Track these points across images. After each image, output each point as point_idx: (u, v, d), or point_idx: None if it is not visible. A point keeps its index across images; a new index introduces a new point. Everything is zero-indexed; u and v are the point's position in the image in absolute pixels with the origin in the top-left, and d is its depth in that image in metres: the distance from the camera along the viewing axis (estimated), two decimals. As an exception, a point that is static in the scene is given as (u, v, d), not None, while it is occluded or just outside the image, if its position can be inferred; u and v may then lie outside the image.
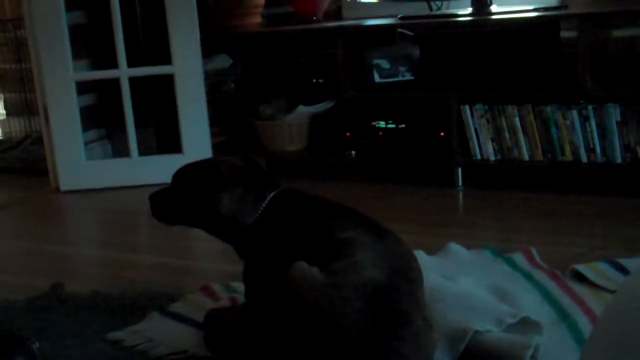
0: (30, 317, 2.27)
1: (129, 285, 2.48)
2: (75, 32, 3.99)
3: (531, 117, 3.30)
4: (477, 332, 1.86)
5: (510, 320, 1.93)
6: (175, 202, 2.08)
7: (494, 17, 3.49)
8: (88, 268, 2.88)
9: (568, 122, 3.23)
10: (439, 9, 3.78)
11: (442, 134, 3.53)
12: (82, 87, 4.05)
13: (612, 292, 2.11)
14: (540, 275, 2.29)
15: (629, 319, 1.19)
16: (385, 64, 3.68)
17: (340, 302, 1.62)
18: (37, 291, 2.44)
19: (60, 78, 3.86)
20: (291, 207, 2.00)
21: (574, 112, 3.21)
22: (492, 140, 3.39)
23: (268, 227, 1.97)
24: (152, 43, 4.05)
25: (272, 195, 2.02)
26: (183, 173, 2.10)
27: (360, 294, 1.64)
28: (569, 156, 3.27)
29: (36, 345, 1.72)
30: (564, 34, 3.42)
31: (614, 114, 3.14)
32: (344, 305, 1.62)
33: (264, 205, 2.00)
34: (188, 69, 3.84)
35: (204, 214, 2.03)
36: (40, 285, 2.50)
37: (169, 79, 3.87)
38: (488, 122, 3.38)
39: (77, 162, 3.93)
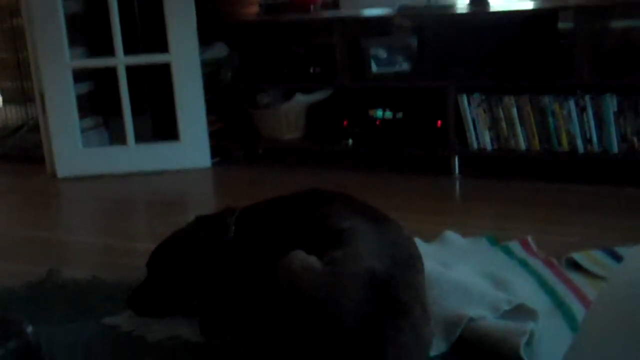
0: (27, 302, 2.27)
1: (126, 271, 2.48)
2: (72, 20, 3.98)
3: (528, 107, 3.30)
4: (472, 318, 1.87)
5: (506, 307, 1.94)
6: (160, 286, 2.12)
7: (491, 7, 3.49)
8: (85, 255, 2.88)
9: (565, 112, 3.24)
10: (436, -1, 3.78)
11: (439, 123, 3.53)
12: (79, 75, 4.04)
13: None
14: (536, 263, 2.30)
15: (621, 305, 1.20)
16: (382, 53, 3.67)
17: (338, 292, 1.62)
18: (34, 277, 2.45)
19: (57, 66, 3.85)
20: (273, 209, 2.05)
21: (571, 103, 3.22)
22: (489, 129, 3.40)
23: (248, 235, 2.04)
24: (149, 31, 4.04)
25: (235, 215, 2.09)
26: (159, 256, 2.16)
27: (359, 283, 1.64)
28: (565, 146, 3.27)
29: (30, 329, 1.72)
30: (562, 25, 3.42)
31: (611, 104, 3.15)
32: (342, 294, 1.62)
33: (232, 228, 2.07)
34: (185, 58, 3.84)
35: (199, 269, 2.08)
36: (37, 271, 2.50)
37: (166, 67, 3.87)
38: (485, 111, 3.38)
39: (74, 150, 3.93)
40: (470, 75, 3.47)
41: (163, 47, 3.85)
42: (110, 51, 3.87)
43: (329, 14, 3.92)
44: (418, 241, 2.37)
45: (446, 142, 3.48)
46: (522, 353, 1.76)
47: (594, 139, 3.20)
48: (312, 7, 4.02)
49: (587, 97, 3.19)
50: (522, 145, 3.35)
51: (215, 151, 3.97)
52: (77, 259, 2.82)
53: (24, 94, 4.59)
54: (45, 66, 3.85)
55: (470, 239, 2.56)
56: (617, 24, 3.50)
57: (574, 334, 1.85)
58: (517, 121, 3.33)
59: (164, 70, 3.88)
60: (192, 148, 3.89)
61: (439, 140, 3.52)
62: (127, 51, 3.86)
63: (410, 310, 1.65)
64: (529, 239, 2.51)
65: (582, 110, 3.21)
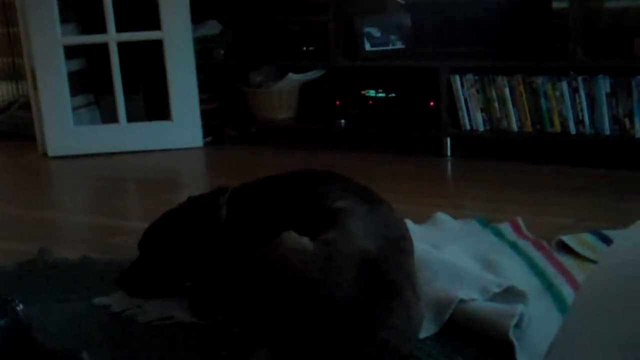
0: (17, 281, 2.27)
1: (117, 251, 2.48)
2: (64, -4, 3.95)
3: (521, 87, 3.30)
4: (462, 300, 1.87)
5: (496, 290, 1.94)
6: (152, 265, 2.11)
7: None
8: (76, 233, 2.88)
9: (558, 94, 3.23)
10: (431, -23, 3.76)
11: (431, 103, 3.53)
12: (71, 52, 4.02)
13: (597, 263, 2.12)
14: (527, 246, 2.31)
15: (610, 287, 1.20)
16: (376, 32, 3.66)
17: (331, 273, 1.62)
18: (25, 256, 2.44)
19: (49, 42, 3.82)
20: (265, 189, 2.05)
21: (564, 84, 3.21)
22: (482, 110, 3.39)
23: (240, 215, 2.03)
24: (141, 8, 4.01)
25: (227, 195, 2.08)
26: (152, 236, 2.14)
27: (351, 264, 1.63)
28: (557, 128, 3.27)
29: (20, 307, 1.71)
30: (556, 4, 3.41)
31: (604, 85, 3.15)
32: (334, 276, 1.62)
33: (224, 208, 2.06)
34: (177, 35, 3.82)
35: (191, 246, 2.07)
36: (28, 250, 2.49)
37: (158, 46, 3.85)
38: (478, 92, 3.38)
39: (65, 128, 3.91)
40: (463, 55, 3.46)
41: (155, 25, 3.83)
42: (102, 28, 3.84)
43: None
44: (409, 222, 2.37)
45: (438, 123, 3.47)
46: (512, 335, 1.76)
47: (586, 120, 3.21)
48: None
49: (579, 79, 3.18)
50: (515, 126, 3.35)
51: (207, 130, 3.96)
52: (68, 237, 2.82)
53: (15, 71, 4.56)
54: (36, 42, 3.83)
55: (461, 221, 2.56)
56: (612, 4, 3.49)
57: (563, 316, 1.86)
58: (509, 102, 3.33)
59: (157, 49, 3.85)
60: (184, 127, 3.88)
61: (431, 120, 3.52)
62: (119, 28, 3.83)
63: (402, 291, 1.65)
64: (520, 220, 2.51)
65: (574, 91, 3.20)
